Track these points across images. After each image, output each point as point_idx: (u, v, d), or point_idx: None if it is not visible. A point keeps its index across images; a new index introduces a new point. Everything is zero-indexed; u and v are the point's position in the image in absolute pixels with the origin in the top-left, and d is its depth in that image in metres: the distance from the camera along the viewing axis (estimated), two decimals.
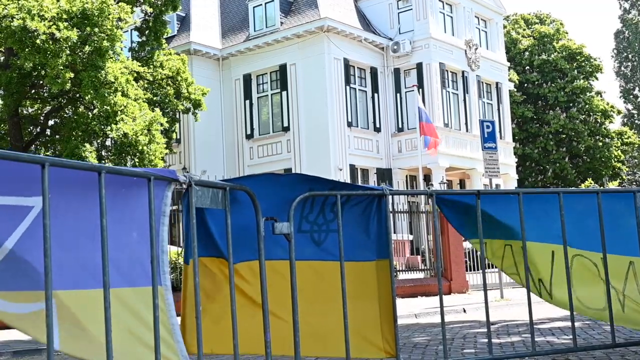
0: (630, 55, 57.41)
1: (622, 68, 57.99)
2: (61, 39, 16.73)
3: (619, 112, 46.78)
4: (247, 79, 30.03)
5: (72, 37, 16.80)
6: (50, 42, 16.71)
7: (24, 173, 2.91)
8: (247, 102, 29.96)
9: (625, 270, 5.34)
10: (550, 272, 5.20)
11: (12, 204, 3.00)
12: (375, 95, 29.73)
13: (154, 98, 21.54)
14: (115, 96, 17.96)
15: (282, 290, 4.39)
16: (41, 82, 18.99)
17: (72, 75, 17.15)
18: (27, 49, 16.72)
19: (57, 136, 21.21)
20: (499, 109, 33.18)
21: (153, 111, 19.79)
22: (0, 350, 7.94)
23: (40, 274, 2.82)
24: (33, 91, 20.59)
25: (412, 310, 11.99)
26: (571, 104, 43.07)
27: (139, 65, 20.61)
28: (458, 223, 5.27)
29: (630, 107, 57.80)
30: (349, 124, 28.35)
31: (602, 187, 6.27)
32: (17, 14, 16.61)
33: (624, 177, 47.27)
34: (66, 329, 3.08)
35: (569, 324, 5.83)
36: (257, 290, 4.30)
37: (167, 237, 3.59)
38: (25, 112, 21.75)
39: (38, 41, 16.53)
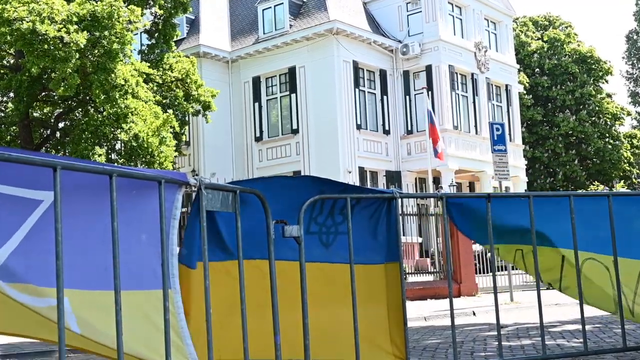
0: None
1: (634, 70, 57.31)
2: (70, 42, 16.79)
3: (628, 114, 46.50)
4: (256, 81, 30.07)
5: (81, 41, 16.84)
6: (60, 45, 16.76)
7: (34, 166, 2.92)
8: (256, 104, 29.99)
9: (637, 274, 5.30)
10: (559, 277, 5.18)
11: (22, 195, 3.01)
12: (385, 97, 29.71)
13: (164, 101, 21.59)
14: (125, 98, 18.01)
15: (289, 292, 4.35)
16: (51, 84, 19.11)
17: (78, 80, 17.18)
18: (35, 52, 16.77)
19: (67, 139, 21.29)
20: (508, 111, 33.09)
21: (165, 112, 19.84)
22: (10, 352, 7.96)
23: (49, 270, 2.83)
24: (43, 94, 20.66)
25: (421, 313, 11.97)
26: (581, 107, 42.91)
27: (148, 67, 20.69)
28: (468, 227, 5.23)
29: None
30: (358, 127, 28.34)
31: (612, 190, 6.23)
32: (27, 17, 16.67)
33: (634, 179, 47.01)
34: (83, 320, 3.12)
35: (579, 327, 5.81)
36: (264, 291, 4.24)
37: (177, 240, 3.59)
38: (35, 114, 21.84)
39: (46, 45, 16.57)
